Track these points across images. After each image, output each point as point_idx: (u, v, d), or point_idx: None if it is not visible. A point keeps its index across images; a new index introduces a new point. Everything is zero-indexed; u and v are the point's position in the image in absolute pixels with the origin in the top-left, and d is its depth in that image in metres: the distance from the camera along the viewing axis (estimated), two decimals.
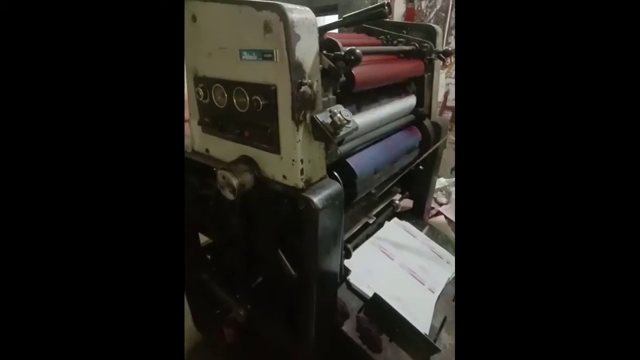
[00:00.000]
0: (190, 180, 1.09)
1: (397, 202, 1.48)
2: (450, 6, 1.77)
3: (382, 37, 1.35)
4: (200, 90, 0.84)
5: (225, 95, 0.79)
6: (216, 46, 0.76)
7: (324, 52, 0.73)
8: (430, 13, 1.84)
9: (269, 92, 0.70)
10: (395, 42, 1.31)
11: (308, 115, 0.71)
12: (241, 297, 1.12)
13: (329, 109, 0.72)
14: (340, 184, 0.82)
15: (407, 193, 1.60)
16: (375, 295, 1.05)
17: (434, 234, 1.55)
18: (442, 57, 1.27)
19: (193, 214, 1.10)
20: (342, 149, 0.91)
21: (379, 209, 1.38)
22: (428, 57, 1.26)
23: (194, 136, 0.97)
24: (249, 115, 0.76)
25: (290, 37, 0.62)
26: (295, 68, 0.65)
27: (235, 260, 1.10)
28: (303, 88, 0.68)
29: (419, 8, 1.87)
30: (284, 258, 0.93)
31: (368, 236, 1.33)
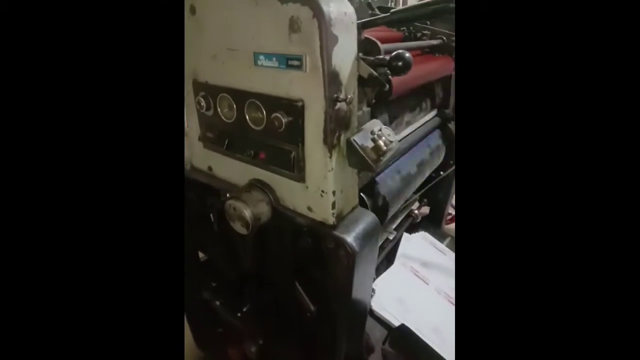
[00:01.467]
0: (188, 196, 0.93)
1: (416, 211, 1.35)
2: None
3: (404, 28, 1.19)
4: (202, 99, 0.68)
5: (235, 108, 0.64)
6: (223, 46, 0.60)
7: (361, 55, 0.58)
8: None
9: (293, 109, 0.55)
10: (419, 34, 1.16)
11: (343, 137, 0.57)
12: (250, 328, 1.00)
13: (368, 129, 0.58)
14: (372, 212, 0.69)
15: (425, 200, 1.48)
16: (402, 325, 0.94)
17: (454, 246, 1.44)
18: None
19: (193, 233, 0.96)
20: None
21: (398, 221, 1.25)
22: None
23: (194, 150, 0.81)
24: (266, 134, 0.61)
25: (326, 39, 0.47)
26: (332, 80, 0.50)
27: (242, 289, 0.97)
28: (339, 104, 0.53)
29: None
30: (302, 293, 0.80)
31: (387, 252, 1.21)
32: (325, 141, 0.54)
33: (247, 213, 0.63)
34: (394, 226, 1.23)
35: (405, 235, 1.33)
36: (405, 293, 1.07)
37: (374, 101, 0.67)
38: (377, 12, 1.26)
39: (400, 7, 1.62)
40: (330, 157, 0.55)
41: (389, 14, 0.54)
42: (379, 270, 1.12)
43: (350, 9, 0.51)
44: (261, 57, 0.55)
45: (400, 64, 0.54)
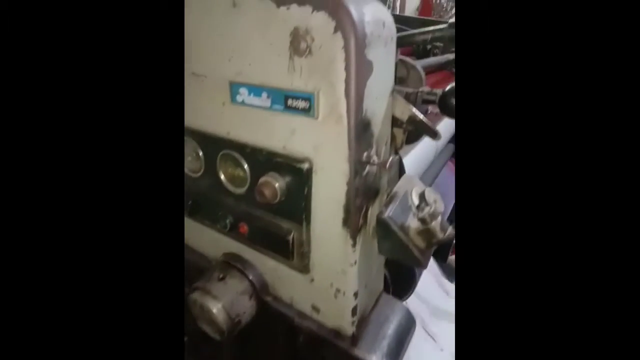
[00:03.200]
0: None
1: None
2: None
3: (414, 45, 1.02)
4: None
5: (203, 158, 0.43)
6: (185, 69, 0.39)
7: (395, 86, 0.38)
8: (452, 8, 1.52)
9: (295, 172, 0.34)
10: (429, 46, 0.99)
11: (370, 212, 0.37)
12: None
13: (404, 193, 0.38)
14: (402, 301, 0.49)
15: None
16: None
17: None
18: None
19: None
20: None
21: None
22: None
23: None
24: (250, 201, 0.40)
25: (357, 67, 0.27)
26: (361, 132, 0.31)
27: None
28: (368, 168, 0.33)
29: (437, 1, 1.54)
30: None
31: None
32: (346, 222, 0.34)
33: (220, 315, 0.42)
34: None
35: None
36: None
37: (400, 146, 0.48)
38: None
39: (398, 13, 1.47)
40: (354, 246, 0.35)
41: (417, 31, 0.35)
42: None
43: (389, 18, 0.32)
44: (242, 90, 0.34)
45: (450, 101, 0.35)
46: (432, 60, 0.78)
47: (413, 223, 0.37)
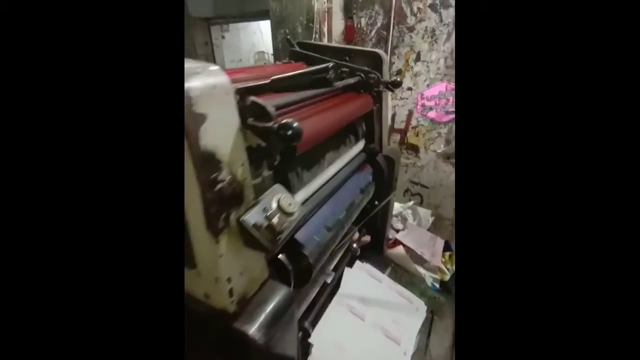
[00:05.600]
0: None
1: (355, 245, 1.32)
2: (392, 24, 1.66)
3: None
4: None
5: None
6: None
7: (251, 120, 0.52)
8: (371, 31, 1.71)
9: None
10: (339, 71, 1.15)
11: (233, 216, 0.50)
12: None
13: (265, 201, 0.51)
14: (289, 285, 0.62)
15: (364, 230, 1.47)
16: None
17: (397, 275, 1.43)
18: (391, 88, 1.14)
19: None
20: None
21: (336, 261, 1.21)
22: (376, 90, 1.12)
23: None
24: None
25: (189, 117, 0.40)
26: (205, 160, 0.43)
27: None
28: (220, 185, 0.46)
29: (359, 25, 1.73)
30: None
31: (328, 294, 1.15)
32: (209, 226, 0.47)
33: None
34: (332, 266, 1.18)
35: (347, 270, 1.29)
36: (342, 335, 1.03)
37: (276, 163, 0.61)
38: (296, 47, 1.24)
39: (321, 42, 1.63)
40: (217, 243, 0.48)
41: (269, 81, 0.49)
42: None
43: (222, 80, 0.45)
44: None
45: (289, 133, 0.49)
46: (343, 82, 0.94)
47: (264, 222, 0.50)
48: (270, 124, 0.51)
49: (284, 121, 0.50)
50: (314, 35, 1.56)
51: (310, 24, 1.60)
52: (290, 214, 0.52)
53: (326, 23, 1.64)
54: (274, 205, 0.52)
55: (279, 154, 0.51)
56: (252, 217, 0.49)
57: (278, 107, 0.62)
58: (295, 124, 0.49)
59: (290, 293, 0.59)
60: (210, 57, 3.53)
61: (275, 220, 0.48)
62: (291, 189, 0.70)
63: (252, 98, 0.53)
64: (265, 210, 0.49)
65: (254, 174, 0.55)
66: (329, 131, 0.79)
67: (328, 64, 0.43)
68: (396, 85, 1.12)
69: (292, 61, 1.19)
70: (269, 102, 0.54)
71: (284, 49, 1.61)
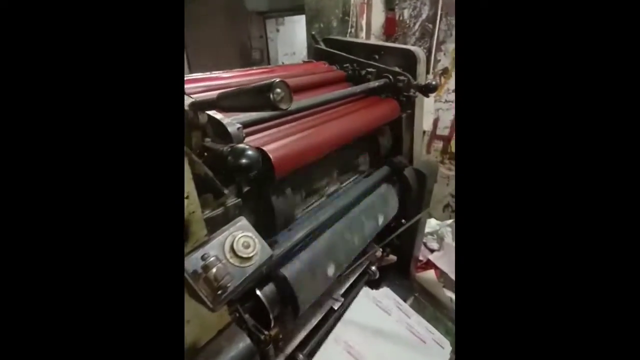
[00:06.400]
0: None
1: (373, 268, 1.18)
2: (439, 16, 1.44)
3: (347, 65, 1.05)
4: None
5: None
6: None
7: (209, 141, 0.43)
8: (414, 24, 1.51)
9: None
10: (364, 72, 1.01)
11: None
12: None
13: (206, 248, 0.42)
14: (268, 325, 0.53)
15: (389, 250, 1.32)
16: None
17: (420, 306, 1.26)
18: (425, 92, 0.97)
19: None
20: (277, 252, 0.62)
21: (347, 285, 1.09)
22: (405, 94, 0.96)
23: None
24: None
25: None
26: None
27: None
28: None
29: (401, 17, 1.54)
30: None
31: (335, 321, 1.03)
32: None
33: None
34: (341, 291, 1.06)
35: (365, 291, 1.15)
36: None
37: (247, 189, 0.52)
38: (322, 45, 1.12)
39: (357, 39, 1.48)
40: None
41: (216, 98, 0.39)
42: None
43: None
44: None
45: (243, 162, 0.39)
46: (339, 93, 0.81)
47: (199, 271, 0.40)
48: (225, 147, 0.42)
49: (237, 146, 0.40)
50: (349, 30, 1.42)
51: (347, 17, 1.46)
52: (246, 259, 0.43)
53: (364, 16, 1.48)
54: (226, 247, 0.42)
55: (222, 193, 0.42)
56: (191, 262, 0.40)
57: (254, 123, 0.52)
58: (249, 152, 0.39)
59: (250, 347, 0.49)
60: (265, 50, 3.57)
61: (213, 271, 0.38)
62: (275, 218, 0.60)
63: (210, 113, 0.43)
64: (204, 257, 0.39)
65: (212, 203, 0.46)
66: (329, 147, 0.67)
67: (273, 80, 0.32)
68: (430, 89, 0.95)
69: (313, 60, 1.08)
70: (237, 119, 0.45)
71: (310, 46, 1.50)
